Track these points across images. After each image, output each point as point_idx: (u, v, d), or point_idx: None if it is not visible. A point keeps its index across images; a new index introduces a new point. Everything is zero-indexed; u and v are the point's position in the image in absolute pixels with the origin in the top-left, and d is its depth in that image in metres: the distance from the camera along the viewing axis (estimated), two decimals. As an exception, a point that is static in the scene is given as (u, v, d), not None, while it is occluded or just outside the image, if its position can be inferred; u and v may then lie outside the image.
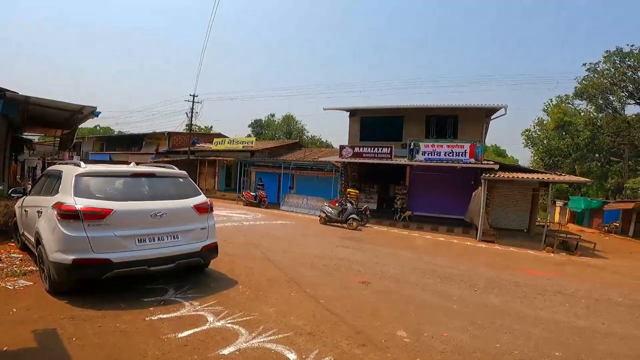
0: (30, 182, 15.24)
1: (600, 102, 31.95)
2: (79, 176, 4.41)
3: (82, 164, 4.76)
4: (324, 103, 66.99)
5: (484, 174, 13.27)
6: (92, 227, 4.04)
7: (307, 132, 55.79)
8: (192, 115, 29.65)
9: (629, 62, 28.79)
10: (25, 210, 5.45)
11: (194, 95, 29.43)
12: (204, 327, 3.64)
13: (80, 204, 4.09)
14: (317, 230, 12.52)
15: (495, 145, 54.80)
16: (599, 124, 32.92)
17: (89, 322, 3.59)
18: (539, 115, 48.35)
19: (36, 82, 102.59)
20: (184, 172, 5.39)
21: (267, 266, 6.42)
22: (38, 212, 4.68)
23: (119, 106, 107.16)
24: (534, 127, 39.70)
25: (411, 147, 15.01)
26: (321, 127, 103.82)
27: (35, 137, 18.08)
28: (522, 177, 13.44)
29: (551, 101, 38.07)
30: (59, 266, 3.99)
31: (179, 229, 4.67)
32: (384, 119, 18.20)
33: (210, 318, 3.87)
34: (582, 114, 35.31)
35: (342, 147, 17.06)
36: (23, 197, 5.98)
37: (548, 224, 16.61)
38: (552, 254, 11.27)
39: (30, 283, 4.61)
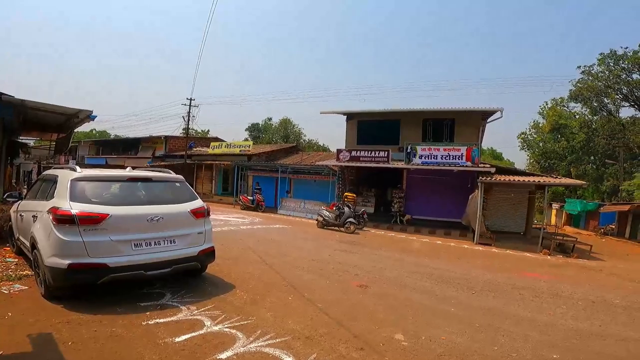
0: (25, 187, 15.17)
1: (595, 104, 32.16)
2: (75, 181, 4.40)
3: (78, 168, 4.74)
4: (321, 107, 66.92)
5: (480, 177, 13.32)
6: (88, 231, 4.03)
7: (305, 135, 55.82)
8: (189, 119, 29.58)
9: (623, 65, 29.03)
10: (20, 215, 5.43)
11: (190, 99, 29.42)
12: (201, 332, 3.63)
13: (76, 208, 4.08)
14: (314, 234, 12.50)
15: (492, 148, 55.02)
16: (594, 126, 33.15)
17: (85, 326, 3.56)
18: (535, 118, 48.70)
19: (36, 82, 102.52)
20: (180, 177, 5.39)
21: (264, 270, 6.40)
22: (33, 216, 4.66)
23: (117, 106, 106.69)
24: (530, 130, 40.00)
25: (408, 150, 15.06)
26: (319, 129, 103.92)
27: (30, 141, 17.98)
28: (519, 180, 13.48)
29: (546, 104, 38.40)
30: (54, 271, 3.96)
31: (176, 234, 4.66)
32: (380, 122, 18.24)
33: (208, 322, 3.86)
34: (577, 116, 35.59)
35: (339, 151, 17.08)
36: (18, 202, 5.95)
37: (544, 226, 16.67)
38: (548, 257, 11.30)
39: (26, 287, 4.58)
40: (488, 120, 17.13)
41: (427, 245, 11.97)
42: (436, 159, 14.57)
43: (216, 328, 3.73)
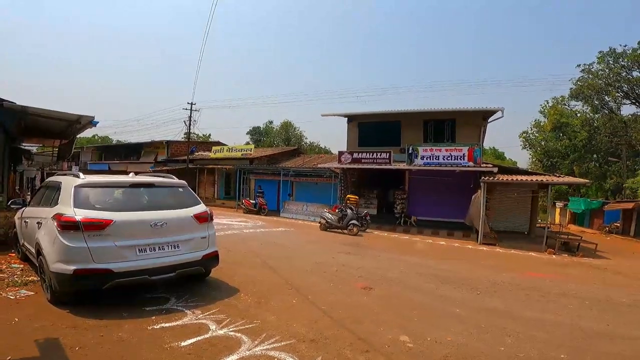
0: (29, 193, 15.24)
1: (596, 102, 32.14)
2: (78, 187, 4.42)
3: (81, 174, 4.76)
4: (322, 109, 67.20)
5: (483, 177, 13.29)
6: (92, 237, 4.05)
7: (306, 138, 55.88)
8: (190, 124, 29.71)
9: (622, 63, 29.01)
10: (25, 222, 5.46)
11: (192, 103, 29.54)
12: (207, 336, 3.63)
13: (80, 214, 4.10)
14: (317, 236, 12.50)
15: (494, 148, 54.93)
16: (595, 124, 33.09)
17: (91, 331, 3.57)
18: (537, 117, 48.59)
19: (36, 82, 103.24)
20: (183, 182, 5.40)
21: (268, 273, 6.40)
22: (38, 223, 4.69)
23: (119, 108, 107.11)
24: (532, 129, 39.87)
25: (410, 151, 15.05)
26: (321, 131, 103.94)
27: (33, 147, 18.07)
28: (521, 179, 13.45)
29: (547, 103, 38.30)
30: (60, 276, 3.98)
31: (180, 239, 4.67)
32: (381, 124, 18.24)
33: (213, 326, 3.86)
34: (578, 115, 35.50)
35: (340, 153, 17.10)
36: (23, 208, 5.98)
37: (549, 225, 16.60)
38: (553, 256, 11.25)
39: (32, 293, 4.61)
40: (489, 120, 17.11)
41: (431, 246, 11.94)
42: (438, 159, 14.56)
43: (221, 332, 3.73)
